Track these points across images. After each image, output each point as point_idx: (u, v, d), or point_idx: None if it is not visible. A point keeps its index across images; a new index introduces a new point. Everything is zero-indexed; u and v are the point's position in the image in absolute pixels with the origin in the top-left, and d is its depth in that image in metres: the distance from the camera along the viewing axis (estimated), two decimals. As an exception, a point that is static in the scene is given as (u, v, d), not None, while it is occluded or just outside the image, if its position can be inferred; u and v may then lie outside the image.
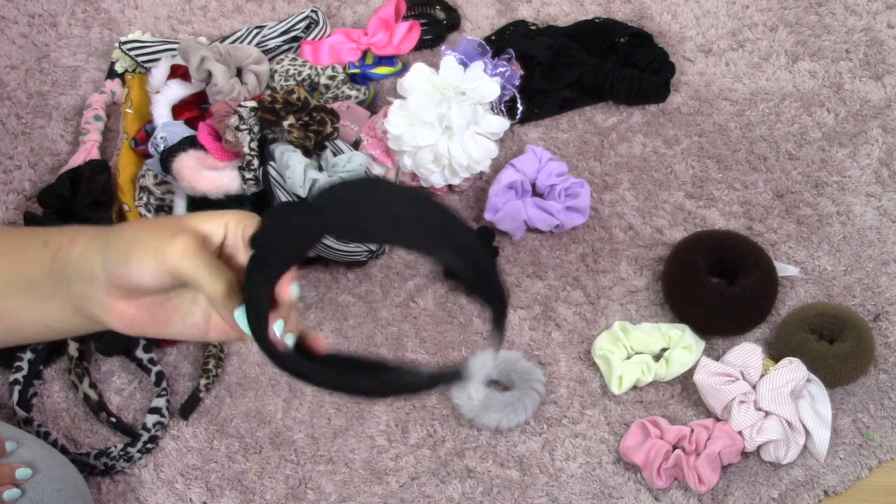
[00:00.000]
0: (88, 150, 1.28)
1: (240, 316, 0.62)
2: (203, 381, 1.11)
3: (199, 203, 1.18)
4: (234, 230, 0.65)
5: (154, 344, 1.15)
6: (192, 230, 0.63)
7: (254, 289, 0.61)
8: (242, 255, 0.65)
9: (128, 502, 1.07)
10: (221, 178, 1.16)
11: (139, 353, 1.13)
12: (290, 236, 0.60)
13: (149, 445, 1.08)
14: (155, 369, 1.12)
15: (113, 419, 1.10)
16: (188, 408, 1.10)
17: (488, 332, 0.67)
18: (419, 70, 1.19)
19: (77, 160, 1.26)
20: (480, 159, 1.20)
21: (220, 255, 0.65)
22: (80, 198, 1.17)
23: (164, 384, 1.11)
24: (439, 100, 1.17)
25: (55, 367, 1.15)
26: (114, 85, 1.35)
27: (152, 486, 1.07)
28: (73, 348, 1.13)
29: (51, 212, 1.19)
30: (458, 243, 0.59)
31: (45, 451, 0.97)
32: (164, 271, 0.62)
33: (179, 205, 1.19)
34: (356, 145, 1.25)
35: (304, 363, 0.63)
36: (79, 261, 0.65)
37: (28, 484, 0.91)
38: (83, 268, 0.64)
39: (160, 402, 1.10)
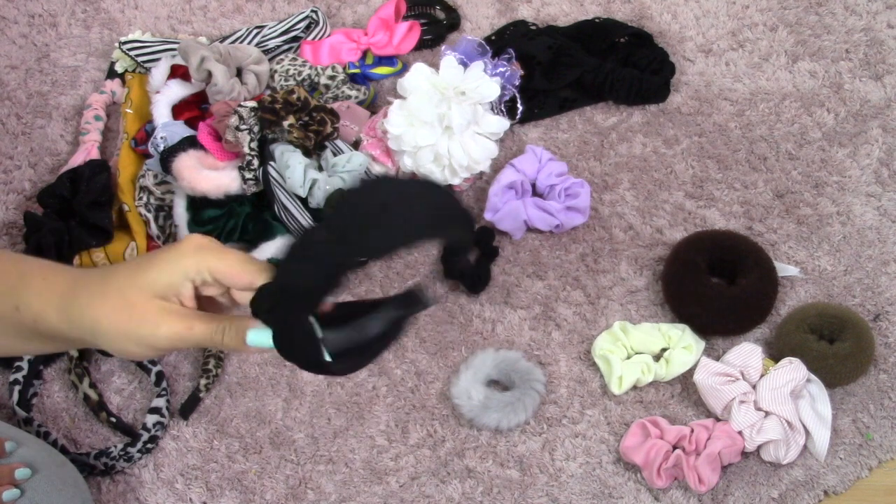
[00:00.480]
0: (88, 150, 1.28)
1: (255, 338, 0.63)
2: (203, 381, 1.11)
3: (198, 203, 1.18)
4: (199, 277, 0.63)
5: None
6: (160, 297, 0.62)
7: (288, 318, 0.62)
8: (215, 290, 0.65)
9: (128, 502, 1.07)
10: (221, 178, 1.16)
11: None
12: (318, 266, 0.61)
13: (149, 445, 1.08)
14: (155, 369, 1.12)
15: (113, 419, 1.10)
16: (188, 408, 1.10)
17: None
18: (419, 70, 1.19)
19: (77, 160, 1.26)
20: (480, 159, 1.20)
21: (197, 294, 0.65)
22: (80, 198, 1.17)
23: (163, 384, 1.11)
24: (439, 100, 1.17)
25: (55, 367, 1.15)
26: (114, 85, 1.35)
27: (152, 486, 1.07)
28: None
29: (51, 212, 1.19)
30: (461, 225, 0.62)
31: (44, 452, 0.97)
32: (153, 350, 0.63)
33: (179, 204, 1.19)
34: (356, 145, 1.25)
35: (333, 362, 0.63)
36: (63, 334, 0.64)
37: (28, 484, 0.91)
38: (74, 334, 0.64)
39: (160, 402, 1.10)
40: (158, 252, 0.65)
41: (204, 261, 0.63)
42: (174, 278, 0.62)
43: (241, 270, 0.63)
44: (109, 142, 1.32)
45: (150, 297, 0.62)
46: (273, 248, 1.16)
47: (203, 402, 1.12)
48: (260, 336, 0.63)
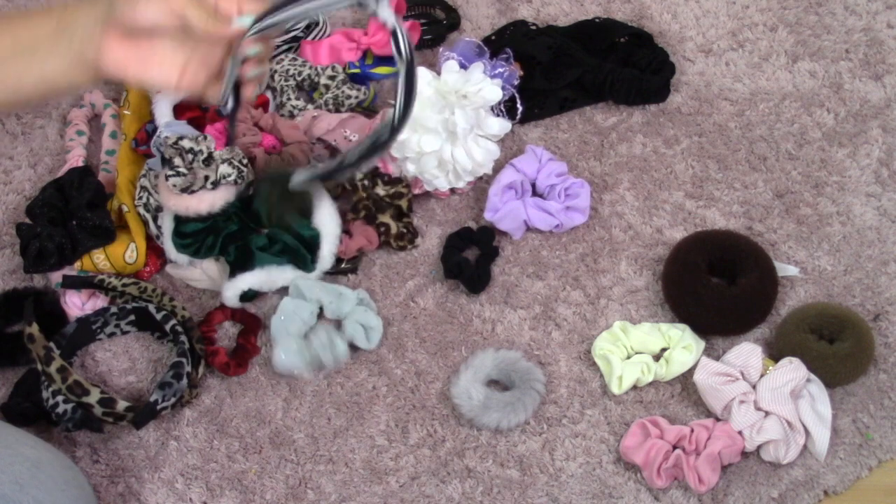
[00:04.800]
0: (75, 165, 1.27)
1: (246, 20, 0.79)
2: (160, 394, 1.08)
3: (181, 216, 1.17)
4: None
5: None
6: None
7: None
8: None
9: (128, 502, 1.07)
10: (190, 201, 1.13)
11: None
12: None
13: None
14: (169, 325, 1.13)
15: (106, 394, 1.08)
16: (142, 418, 1.07)
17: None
18: (421, 74, 1.18)
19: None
20: (484, 162, 1.20)
21: None
22: (76, 201, 1.16)
23: (181, 339, 1.11)
24: (442, 105, 1.16)
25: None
26: (92, 97, 1.34)
27: (152, 486, 1.08)
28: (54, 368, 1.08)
29: (44, 221, 1.15)
30: None
31: (49, 452, 0.97)
32: (168, 10, 0.76)
33: (167, 217, 1.18)
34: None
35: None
36: (83, 15, 0.77)
37: (32, 484, 0.91)
38: (86, 20, 0.77)
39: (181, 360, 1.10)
40: None
41: None
42: None
43: None
44: (93, 155, 1.30)
45: None
46: (251, 280, 1.15)
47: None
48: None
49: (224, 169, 1.13)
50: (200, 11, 0.77)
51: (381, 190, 1.20)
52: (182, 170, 1.12)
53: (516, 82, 1.26)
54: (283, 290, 1.17)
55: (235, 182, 1.14)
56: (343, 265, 1.20)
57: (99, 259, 1.17)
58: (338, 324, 1.16)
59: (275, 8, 0.79)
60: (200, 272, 1.18)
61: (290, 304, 1.15)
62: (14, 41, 0.79)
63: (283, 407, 1.12)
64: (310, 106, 1.30)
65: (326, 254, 1.17)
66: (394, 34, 0.77)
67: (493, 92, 1.17)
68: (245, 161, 1.16)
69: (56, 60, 0.79)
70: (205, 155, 1.12)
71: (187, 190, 1.12)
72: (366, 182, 1.20)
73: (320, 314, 1.17)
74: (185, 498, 1.07)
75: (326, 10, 0.82)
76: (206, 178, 1.12)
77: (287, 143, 1.23)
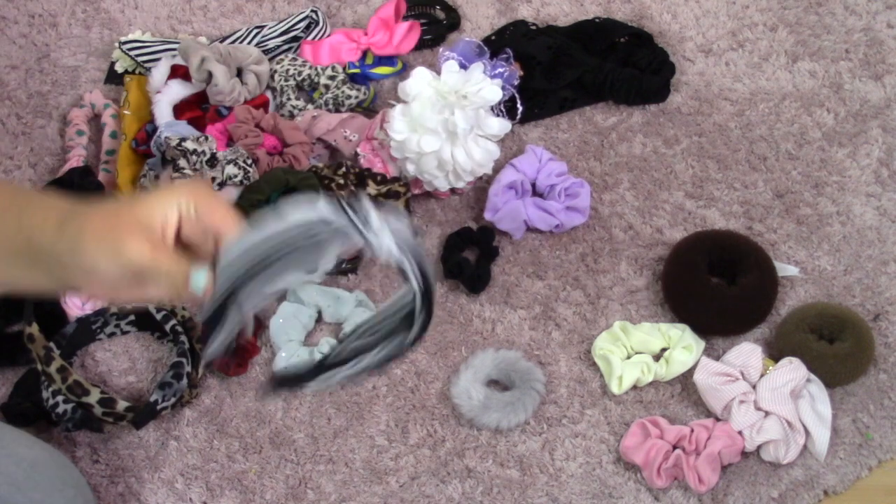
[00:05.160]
0: (75, 165, 1.27)
1: (197, 277, 0.66)
2: (160, 394, 1.09)
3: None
4: (187, 209, 0.67)
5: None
6: (145, 225, 0.66)
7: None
8: (195, 229, 0.67)
9: (128, 502, 1.07)
10: None
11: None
12: None
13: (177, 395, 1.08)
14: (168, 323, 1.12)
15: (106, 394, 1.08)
16: (142, 418, 1.08)
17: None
18: (421, 75, 1.17)
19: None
20: (484, 162, 1.20)
21: (178, 233, 0.68)
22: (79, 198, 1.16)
23: (181, 339, 1.11)
24: (442, 105, 1.16)
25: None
26: (92, 97, 1.34)
27: (152, 486, 1.08)
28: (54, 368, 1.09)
29: None
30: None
31: (46, 453, 0.97)
32: (119, 267, 0.65)
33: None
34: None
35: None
36: (50, 249, 0.67)
37: (28, 485, 0.91)
38: (54, 256, 0.67)
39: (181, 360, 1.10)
40: (160, 189, 0.69)
41: (194, 196, 0.67)
42: (164, 205, 0.66)
43: (221, 215, 0.67)
44: (93, 155, 1.30)
45: (137, 220, 0.66)
46: None
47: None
48: (198, 277, 0.67)
49: (230, 170, 1.13)
50: (153, 267, 0.66)
51: (372, 189, 1.19)
52: (187, 171, 1.12)
53: (516, 82, 1.25)
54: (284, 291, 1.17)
55: (241, 182, 1.14)
56: (343, 265, 1.20)
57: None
58: (338, 327, 1.16)
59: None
60: (200, 272, 1.18)
61: (290, 308, 1.15)
62: None
63: (283, 407, 1.12)
64: (310, 106, 1.30)
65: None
66: (401, 270, 0.65)
67: (493, 92, 1.17)
68: (250, 161, 1.16)
69: (37, 274, 0.70)
70: (207, 156, 1.13)
71: None
72: (353, 188, 1.19)
73: (319, 317, 1.17)
74: (185, 498, 1.07)
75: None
76: (213, 179, 1.12)
77: (288, 143, 1.23)
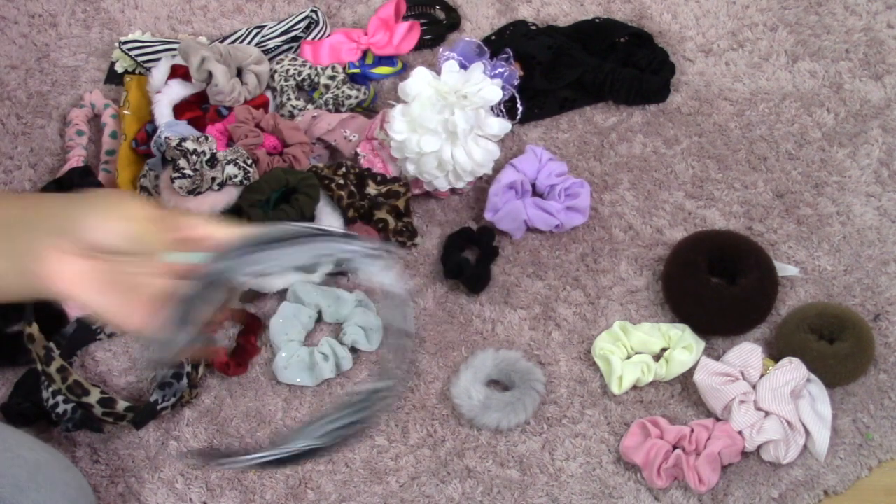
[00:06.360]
0: (75, 165, 1.27)
1: (177, 256, 0.64)
2: (160, 394, 1.09)
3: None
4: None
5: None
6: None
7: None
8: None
9: (128, 502, 1.07)
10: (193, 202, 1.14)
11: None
12: None
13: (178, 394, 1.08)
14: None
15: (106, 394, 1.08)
16: (142, 418, 1.08)
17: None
18: (421, 75, 1.17)
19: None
20: (484, 162, 1.20)
21: None
22: None
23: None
24: (442, 106, 1.16)
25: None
26: (92, 97, 1.34)
27: (152, 486, 1.08)
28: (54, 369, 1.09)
29: None
30: None
31: (48, 454, 0.97)
32: (121, 221, 0.63)
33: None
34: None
35: None
36: (33, 220, 0.65)
37: (31, 487, 0.91)
38: (32, 235, 0.64)
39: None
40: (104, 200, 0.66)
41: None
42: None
43: (202, 227, 0.65)
44: (94, 155, 1.30)
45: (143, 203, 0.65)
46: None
47: (196, 403, 1.11)
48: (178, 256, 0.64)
49: (230, 170, 1.13)
50: (160, 240, 0.64)
51: (372, 189, 1.19)
52: (188, 171, 1.12)
53: (516, 82, 1.26)
54: (284, 291, 1.17)
55: (241, 182, 1.15)
56: (343, 265, 1.20)
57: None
58: (338, 326, 1.16)
59: (245, 246, 0.63)
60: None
61: (289, 309, 1.15)
62: None
63: (283, 407, 1.12)
64: (310, 106, 1.30)
65: None
66: (402, 308, 0.64)
67: (493, 92, 1.17)
68: (250, 161, 1.16)
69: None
70: (207, 156, 1.13)
71: (194, 192, 1.12)
72: (353, 188, 1.19)
73: (319, 317, 1.17)
74: (185, 498, 1.07)
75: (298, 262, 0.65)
76: (213, 179, 1.12)
77: (288, 143, 1.23)
